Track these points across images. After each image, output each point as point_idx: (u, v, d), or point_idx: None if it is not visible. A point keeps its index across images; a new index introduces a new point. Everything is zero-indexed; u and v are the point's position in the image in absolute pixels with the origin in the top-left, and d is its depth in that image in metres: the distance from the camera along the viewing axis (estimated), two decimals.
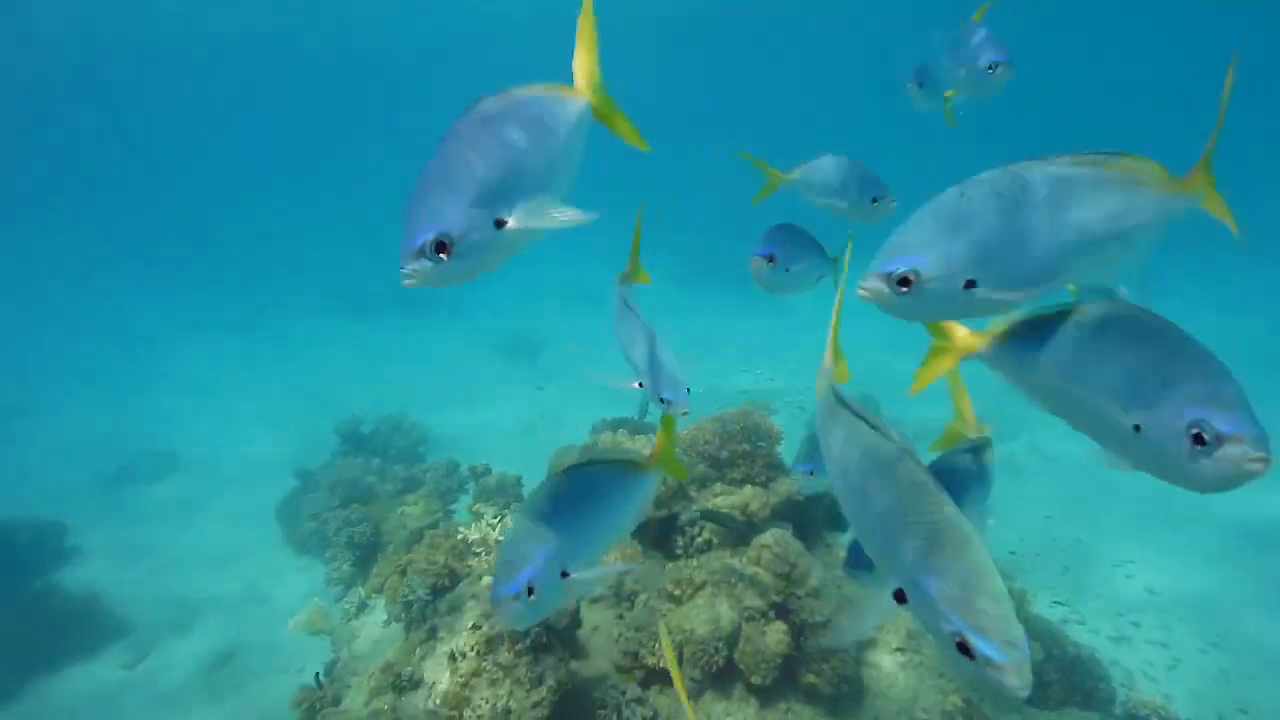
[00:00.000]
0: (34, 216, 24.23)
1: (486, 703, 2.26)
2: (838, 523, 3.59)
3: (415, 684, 2.48)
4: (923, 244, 1.06)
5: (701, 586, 2.88)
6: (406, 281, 1.02)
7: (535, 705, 2.27)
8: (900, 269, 1.05)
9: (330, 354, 10.88)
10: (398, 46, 22.56)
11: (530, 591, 1.21)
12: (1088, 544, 5.13)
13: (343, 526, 4.00)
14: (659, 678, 2.73)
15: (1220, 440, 0.96)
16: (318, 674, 3.23)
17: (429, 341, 11.34)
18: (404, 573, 3.08)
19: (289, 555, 5.67)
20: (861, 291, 1.09)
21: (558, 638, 2.49)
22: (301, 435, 7.44)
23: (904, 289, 1.05)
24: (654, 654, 2.70)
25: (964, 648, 0.91)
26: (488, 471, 4.44)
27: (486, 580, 2.89)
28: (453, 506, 4.58)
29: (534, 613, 1.25)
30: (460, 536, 3.16)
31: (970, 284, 1.05)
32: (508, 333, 10.59)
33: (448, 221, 1.00)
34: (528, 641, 2.39)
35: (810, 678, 2.78)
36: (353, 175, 27.33)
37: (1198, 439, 0.97)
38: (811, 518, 3.41)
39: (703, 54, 26.80)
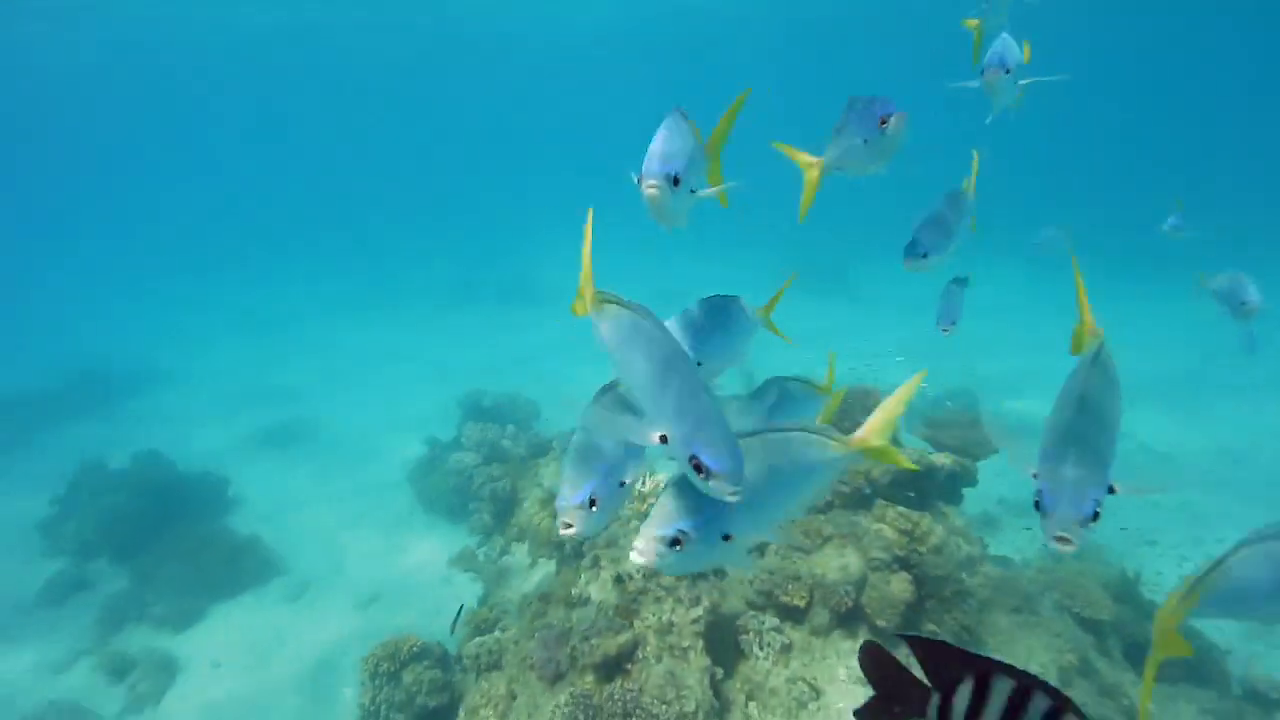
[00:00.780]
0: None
1: (653, 615, 2.62)
2: (952, 495, 3.80)
3: (584, 602, 2.88)
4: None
5: (829, 538, 3.16)
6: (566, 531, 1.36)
7: (693, 621, 2.62)
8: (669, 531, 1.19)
9: (448, 337, 11.68)
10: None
11: (593, 503, 1.37)
12: (1199, 530, 5.09)
13: (486, 481, 4.47)
14: (790, 615, 3.03)
15: (1042, 513, 1.16)
16: (477, 600, 3.68)
17: (527, 326, 11.94)
18: (556, 515, 3.49)
19: (420, 512, 6.29)
20: None
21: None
22: (426, 407, 8.12)
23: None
24: (788, 594, 3.00)
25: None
26: None
27: (634, 523, 3.26)
28: None
29: (599, 519, 1.41)
30: None
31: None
32: None
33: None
34: None
35: (932, 626, 3.02)
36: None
37: (1036, 505, 1.17)
38: (927, 488, 3.63)
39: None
